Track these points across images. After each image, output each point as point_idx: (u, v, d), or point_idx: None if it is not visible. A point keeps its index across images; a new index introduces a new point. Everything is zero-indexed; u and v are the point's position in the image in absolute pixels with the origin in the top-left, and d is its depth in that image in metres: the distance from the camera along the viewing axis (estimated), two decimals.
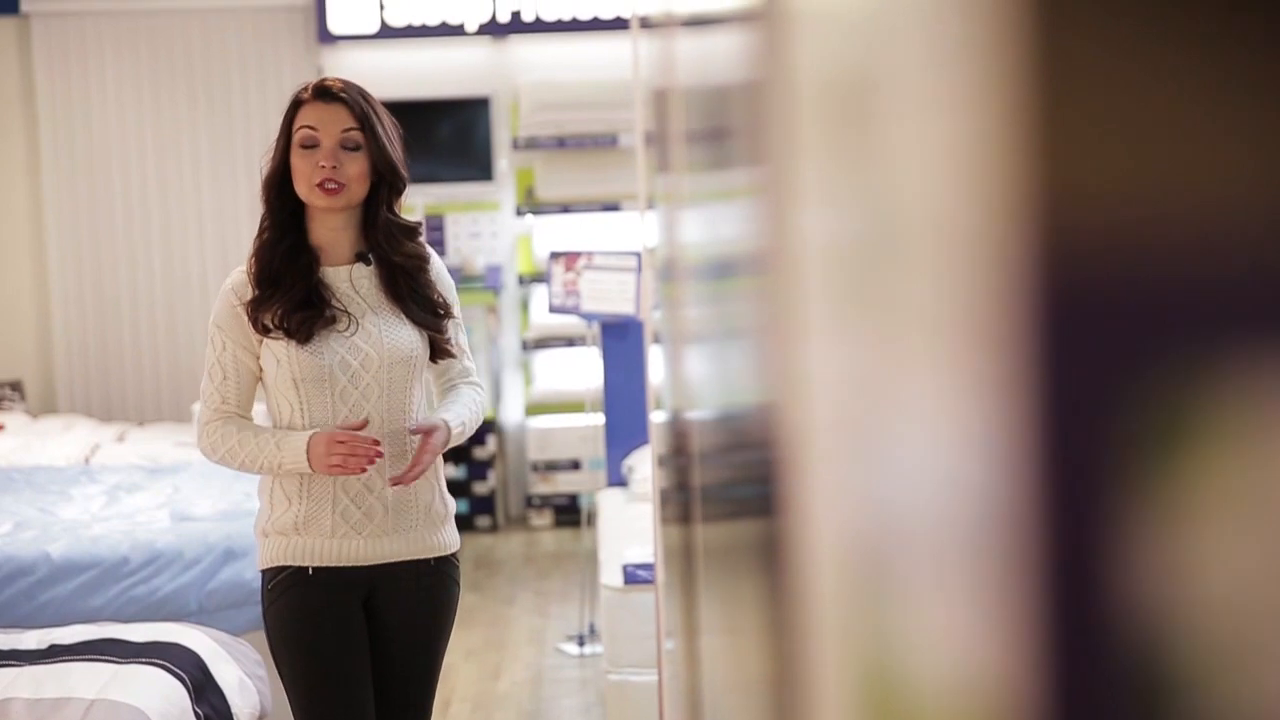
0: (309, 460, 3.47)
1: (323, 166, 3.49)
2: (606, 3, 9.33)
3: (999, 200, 0.35)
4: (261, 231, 3.60)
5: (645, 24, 2.20)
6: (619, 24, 9.21)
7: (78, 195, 9.57)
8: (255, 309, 3.50)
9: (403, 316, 3.60)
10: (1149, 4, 0.33)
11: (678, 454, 1.66)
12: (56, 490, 6.90)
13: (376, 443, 3.47)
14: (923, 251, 0.39)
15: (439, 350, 3.67)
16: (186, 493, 6.62)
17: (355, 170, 3.53)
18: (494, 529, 9.30)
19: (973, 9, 0.36)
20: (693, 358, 1.33)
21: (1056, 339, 0.34)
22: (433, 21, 9.30)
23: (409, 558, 3.62)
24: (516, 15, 9.34)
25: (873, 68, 0.44)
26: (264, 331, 3.51)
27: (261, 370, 3.58)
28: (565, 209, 9.37)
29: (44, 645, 4.77)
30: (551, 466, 9.21)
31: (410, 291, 3.61)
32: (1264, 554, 0.33)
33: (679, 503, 1.71)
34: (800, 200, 0.60)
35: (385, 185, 3.58)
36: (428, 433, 3.57)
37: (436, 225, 9.24)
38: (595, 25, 9.33)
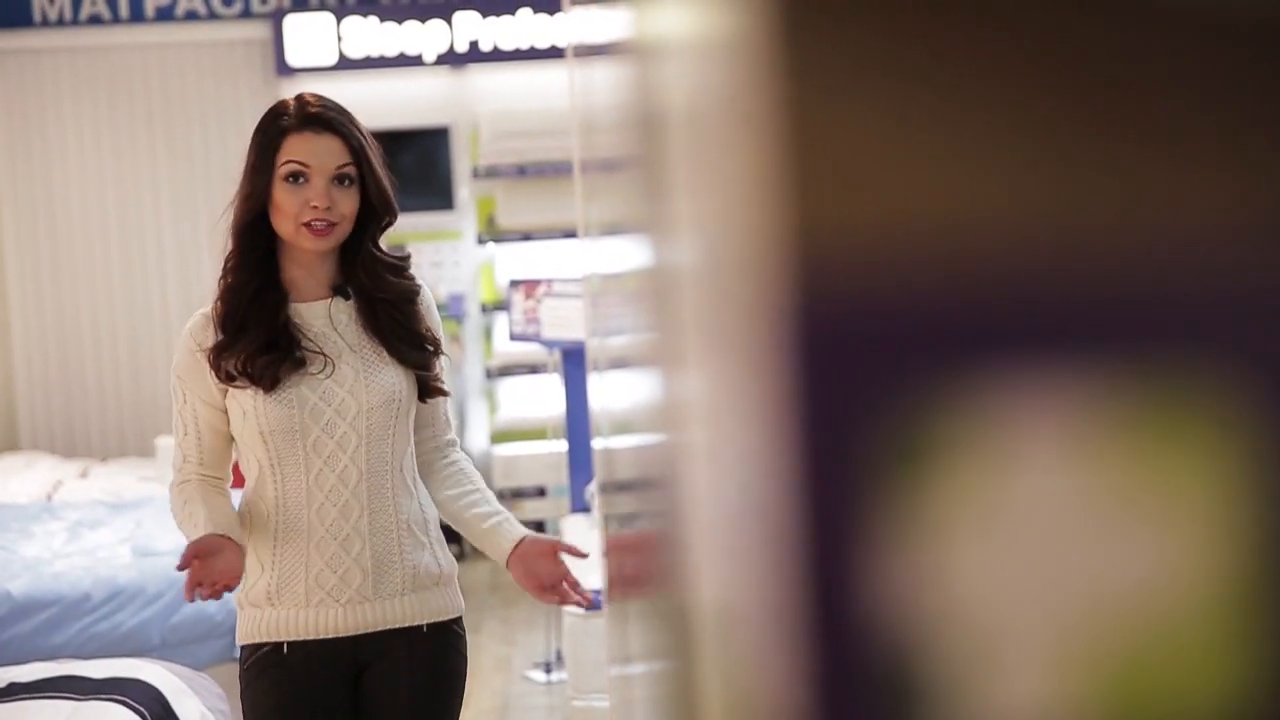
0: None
1: (314, 206, 3.09)
2: (564, 32, 9.36)
3: (759, 236, 0.36)
4: (226, 272, 3.18)
5: (580, 51, 2.22)
6: None
7: (38, 230, 9.56)
8: (218, 356, 3.11)
9: (385, 355, 3.19)
10: (890, 53, 0.35)
11: (608, 482, 1.67)
12: (18, 528, 6.87)
13: (233, 581, 3.05)
14: (701, 280, 0.40)
15: (427, 390, 3.27)
16: (149, 528, 6.60)
17: (348, 208, 3.14)
18: (461, 557, 9.28)
19: (730, 58, 0.37)
20: (613, 385, 1.34)
21: (811, 361, 0.36)
22: (391, 52, 9.33)
23: (396, 625, 3.20)
24: (475, 45, 9.37)
25: (663, 104, 0.46)
26: (228, 380, 3.11)
27: (230, 424, 3.18)
28: (526, 237, 9.39)
29: (2, 684, 4.75)
30: (517, 494, 9.21)
31: (394, 326, 3.21)
32: (1003, 562, 0.35)
33: (613, 530, 1.72)
34: (642, 229, 0.61)
35: (373, 220, 3.20)
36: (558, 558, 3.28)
37: None
38: (553, 54, 9.37)
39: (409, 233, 9.57)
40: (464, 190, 9.53)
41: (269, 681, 3.18)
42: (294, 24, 9.31)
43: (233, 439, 3.22)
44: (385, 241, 3.33)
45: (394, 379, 3.21)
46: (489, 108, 9.39)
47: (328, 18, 9.30)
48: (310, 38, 9.30)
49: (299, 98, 3.27)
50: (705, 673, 0.59)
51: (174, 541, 6.23)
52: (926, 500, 0.35)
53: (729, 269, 0.37)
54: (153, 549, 6.23)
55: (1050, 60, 0.34)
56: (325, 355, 3.16)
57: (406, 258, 3.35)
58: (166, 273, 9.63)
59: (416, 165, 9.43)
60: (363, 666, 3.23)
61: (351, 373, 3.17)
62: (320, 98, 3.27)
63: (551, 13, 9.37)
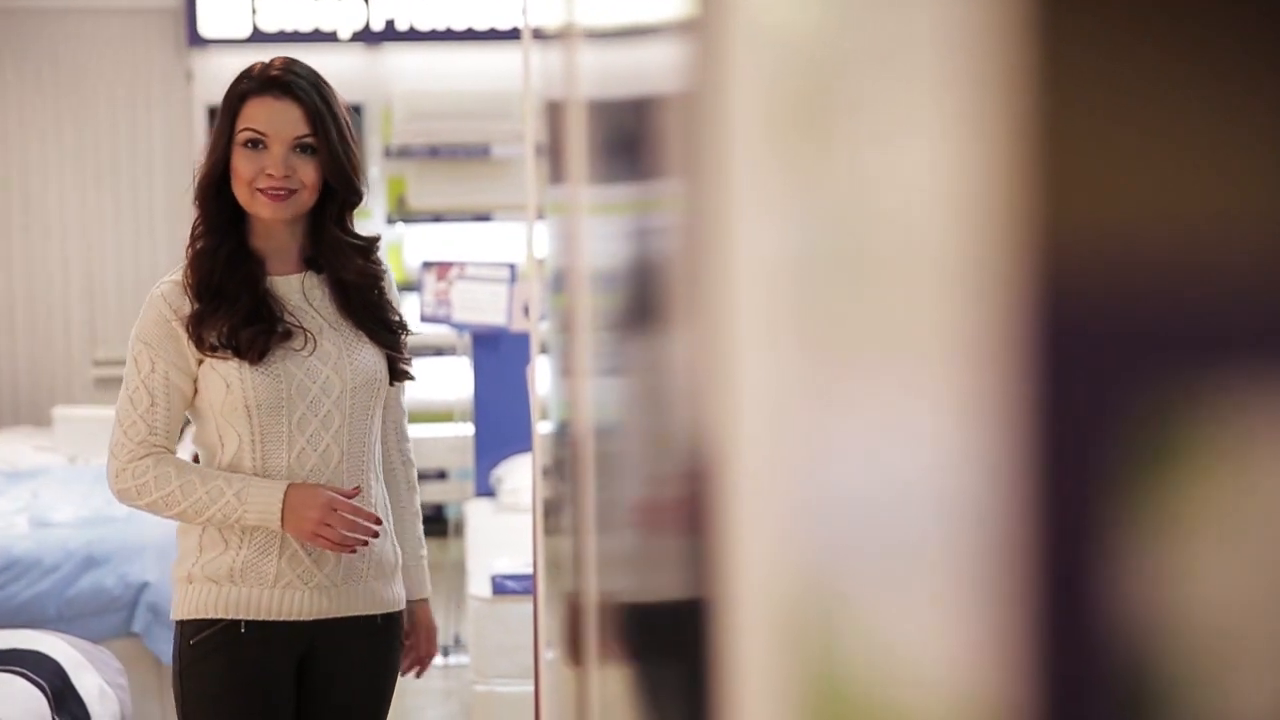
0: (283, 518, 2.96)
1: (270, 175, 2.98)
2: (482, 13, 9.32)
3: (993, 226, 0.36)
4: (195, 238, 3.05)
5: (540, 35, 2.21)
6: (494, 35, 9.22)
7: None
8: (198, 324, 2.96)
9: (362, 335, 3.10)
10: (1160, 24, 0.35)
11: (571, 466, 1.66)
12: None
13: (379, 520, 3.04)
14: (911, 275, 0.40)
15: (395, 372, 3.18)
16: (46, 498, 6.50)
17: (309, 177, 3.01)
18: None
19: (961, 26, 0.37)
20: (597, 370, 1.34)
21: (1051, 361, 0.36)
22: (306, 27, 9.24)
23: (356, 613, 3.12)
24: (390, 24, 9.30)
25: (834, 84, 0.45)
26: (210, 350, 2.96)
27: (196, 396, 3.03)
28: (437, 218, 9.34)
29: None
30: (420, 476, 9.15)
31: (365, 306, 3.12)
32: (1248, 569, 0.35)
33: (569, 515, 1.72)
34: (740, 216, 0.61)
35: (335, 197, 3.07)
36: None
37: None
38: (470, 35, 9.32)
39: None
40: (375, 169, 9.46)
41: (223, 660, 3.05)
42: None
43: (190, 412, 3.10)
44: None
45: (373, 359, 3.13)
46: (403, 87, 9.33)
47: None
48: (224, 9, 9.19)
49: (269, 60, 3.15)
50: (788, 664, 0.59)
51: (71, 513, 6.13)
52: (1170, 502, 0.35)
53: (968, 263, 0.37)
54: (49, 520, 6.14)
55: None
56: (306, 331, 3.05)
57: (375, 239, 3.23)
58: (68, 240, 9.49)
59: None
60: (309, 653, 3.13)
61: (335, 350, 3.07)
62: (290, 61, 3.14)
63: None
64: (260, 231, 3.09)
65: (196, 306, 3.00)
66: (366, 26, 9.29)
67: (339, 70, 9.52)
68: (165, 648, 5.51)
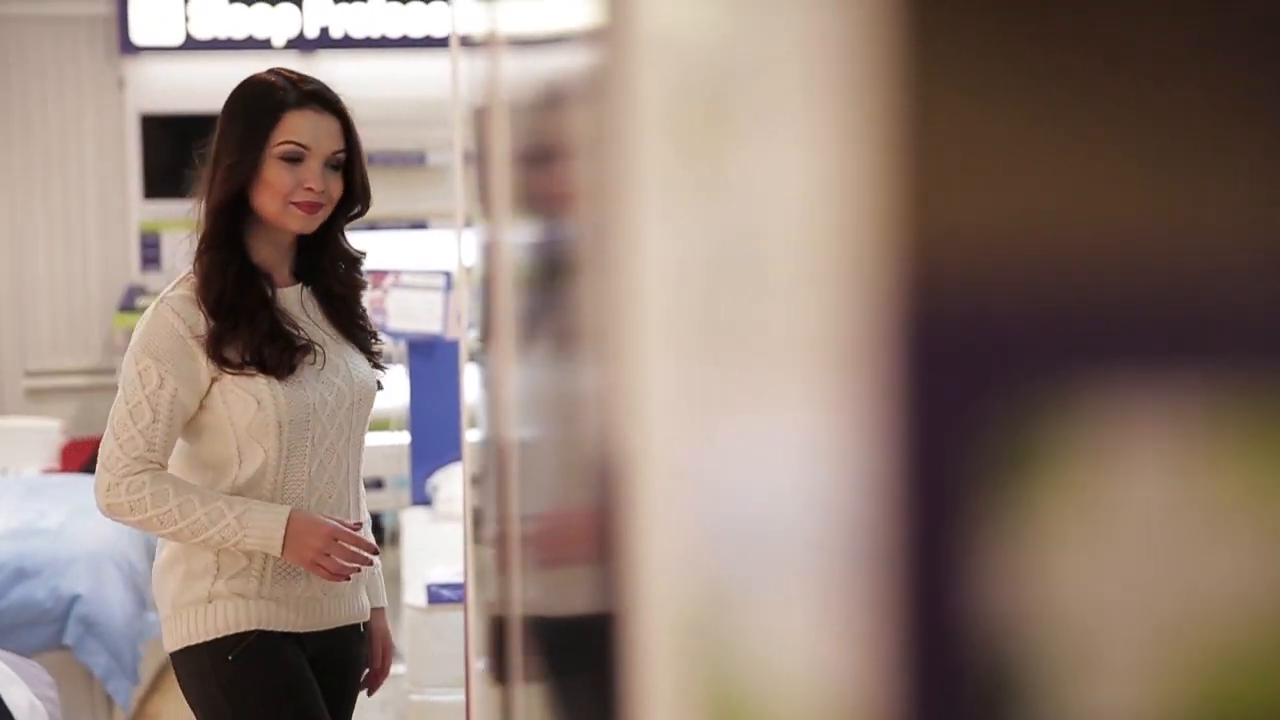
0: (284, 544, 2.93)
1: (309, 188, 2.93)
2: (416, 20, 9.30)
3: (863, 232, 0.36)
4: (202, 252, 2.97)
5: (466, 42, 2.21)
6: (429, 42, 9.20)
7: None
8: (218, 343, 2.90)
9: (354, 346, 3.10)
10: (1029, 39, 0.35)
11: (493, 476, 1.66)
12: None
13: (377, 551, 3.07)
14: (784, 277, 0.40)
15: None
16: None
17: (337, 191, 2.99)
18: None
19: (840, 36, 0.37)
20: (517, 377, 1.33)
21: (918, 366, 0.36)
22: (239, 34, 9.19)
23: (357, 621, 3.19)
24: (325, 31, 9.27)
25: (732, 92, 0.45)
26: (238, 368, 2.90)
27: (200, 414, 2.96)
28: (372, 226, 9.30)
29: None
30: None
31: (351, 318, 3.12)
32: (1106, 569, 0.35)
33: (490, 526, 1.71)
34: (644, 220, 0.61)
35: (343, 210, 3.06)
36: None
37: None
38: (405, 43, 9.30)
39: None
40: None
41: (268, 664, 3.01)
42: (139, 0, 9.14)
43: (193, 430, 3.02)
44: None
45: (367, 370, 3.11)
46: (338, 94, 9.29)
47: None
48: (156, 16, 9.13)
49: (283, 73, 3.10)
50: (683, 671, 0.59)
51: (1, 525, 6.06)
52: (1031, 505, 0.35)
53: (832, 273, 0.37)
54: None
55: (1186, 64, 0.34)
56: (315, 344, 3.02)
57: (362, 254, 3.21)
58: None
59: None
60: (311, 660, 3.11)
61: (339, 363, 3.05)
62: (305, 75, 3.12)
63: (404, 1, 9.30)
64: (263, 245, 3.04)
65: (213, 324, 2.93)
66: (300, 34, 9.25)
67: None
68: (98, 660, 5.46)
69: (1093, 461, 0.35)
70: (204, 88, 9.20)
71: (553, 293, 0.97)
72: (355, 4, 9.30)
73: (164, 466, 2.98)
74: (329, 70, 9.40)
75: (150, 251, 9.30)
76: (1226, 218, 0.34)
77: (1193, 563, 0.35)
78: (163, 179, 8.91)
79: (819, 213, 0.38)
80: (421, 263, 7.97)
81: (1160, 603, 0.35)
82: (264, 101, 3.02)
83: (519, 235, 1.30)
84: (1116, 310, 0.35)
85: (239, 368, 2.93)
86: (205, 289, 2.95)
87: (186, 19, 9.15)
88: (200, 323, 2.94)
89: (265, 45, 9.21)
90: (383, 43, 9.31)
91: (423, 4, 9.29)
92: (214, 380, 2.95)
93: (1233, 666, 0.35)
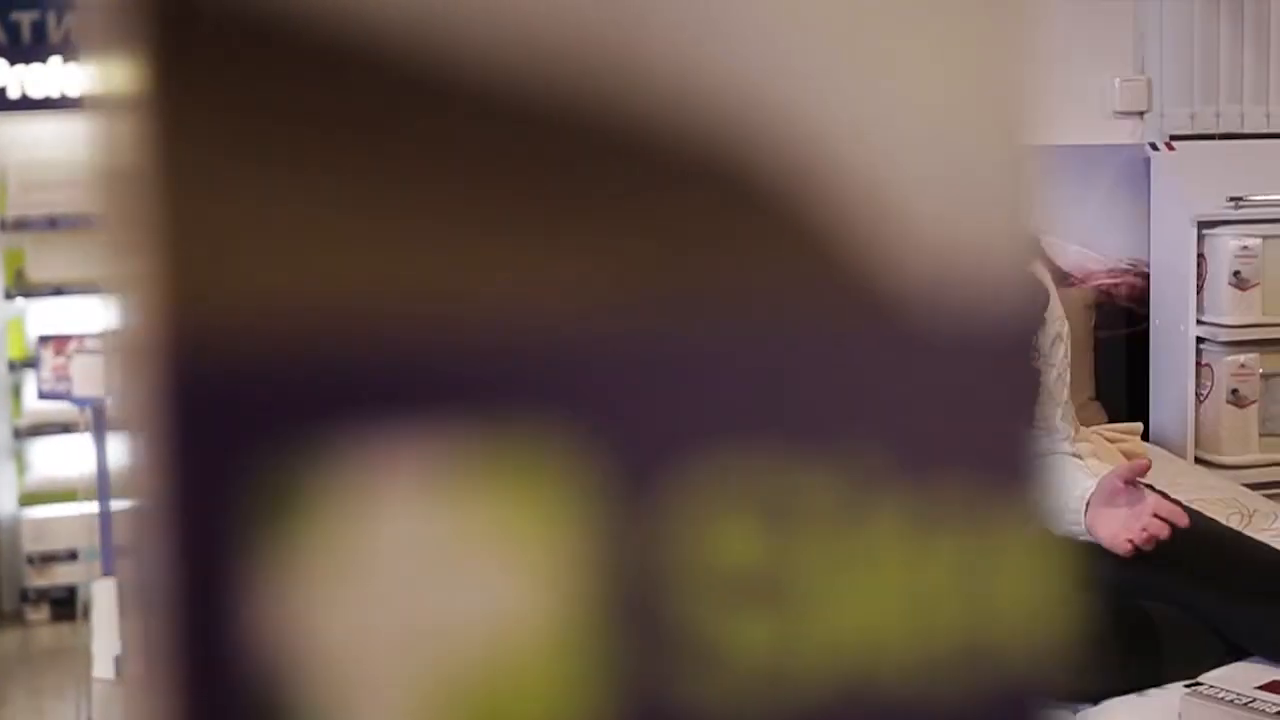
0: None
1: None
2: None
3: (133, 306, 0.39)
4: None
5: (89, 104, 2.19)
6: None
7: None
8: None
9: None
10: (266, 127, 0.37)
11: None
12: None
13: None
14: (114, 346, 0.42)
15: None
16: None
17: None
18: None
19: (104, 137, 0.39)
20: (108, 450, 1.33)
21: (183, 424, 0.38)
22: None
23: None
24: (2, 92, 9.01)
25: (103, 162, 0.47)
26: None
27: None
28: (59, 291, 9.07)
29: None
30: (48, 558, 8.85)
31: None
32: (361, 604, 0.38)
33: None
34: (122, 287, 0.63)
35: None
36: None
37: None
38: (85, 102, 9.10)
39: None
40: None
41: None
42: None
43: None
44: None
45: None
46: (17, 157, 9.05)
47: None
48: None
49: None
50: None
51: None
52: (295, 548, 0.38)
53: (121, 335, 0.39)
54: None
55: (407, 155, 0.37)
56: None
57: None
58: None
59: None
60: None
61: None
62: None
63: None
64: None
65: None
66: None
67: None
68: None
69: (353, 504, 0.38)
70: None
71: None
72: (34, 65, 9.07)
73: None
74: (7, 133, 9.13)
75: None
76: (461, 280, 0.37)
77: (441, 595, 0.38)
78: None
79: (117, 275, 0.40)
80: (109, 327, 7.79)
81: (412, 634, 0.38)
82: None
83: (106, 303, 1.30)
84: (369, 365, 0.38)
85: None
86: None
87: None
88: None
89: None
90: (63, 103, 9.09)
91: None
92: None
93: (484, 689, 0.38)
